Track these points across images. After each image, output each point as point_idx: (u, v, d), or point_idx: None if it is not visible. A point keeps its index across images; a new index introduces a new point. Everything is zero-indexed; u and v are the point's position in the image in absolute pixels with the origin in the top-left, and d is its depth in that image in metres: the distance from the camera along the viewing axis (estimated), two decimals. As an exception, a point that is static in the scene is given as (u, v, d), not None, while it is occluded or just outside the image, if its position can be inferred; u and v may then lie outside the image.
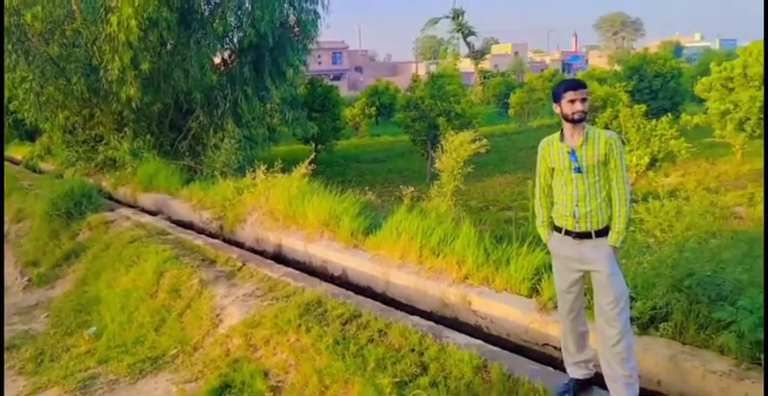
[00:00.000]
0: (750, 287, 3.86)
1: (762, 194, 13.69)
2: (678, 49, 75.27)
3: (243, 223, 8.01)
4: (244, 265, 6.35)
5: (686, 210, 5.23)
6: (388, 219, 6.37)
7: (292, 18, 16.12)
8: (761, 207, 12.73)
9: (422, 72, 52.77)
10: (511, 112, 32.94)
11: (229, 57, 15.62)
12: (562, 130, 3.35)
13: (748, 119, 17.92)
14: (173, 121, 14.65)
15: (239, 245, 7.76)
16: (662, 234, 5.20)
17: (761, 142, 18.68)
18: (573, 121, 3.25)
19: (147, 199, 10.93)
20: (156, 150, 13.17)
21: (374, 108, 33.26)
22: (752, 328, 3.50)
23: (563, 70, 69.65)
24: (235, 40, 15.02)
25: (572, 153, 3.26)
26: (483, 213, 12.65)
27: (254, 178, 8.50)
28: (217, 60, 15.37)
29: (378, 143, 27.46)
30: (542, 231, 3.58)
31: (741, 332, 3.54)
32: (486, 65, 59.25)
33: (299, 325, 4.58)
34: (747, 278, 4.01)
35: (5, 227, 11.15)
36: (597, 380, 3.49)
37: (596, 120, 15.73)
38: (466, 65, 56.72)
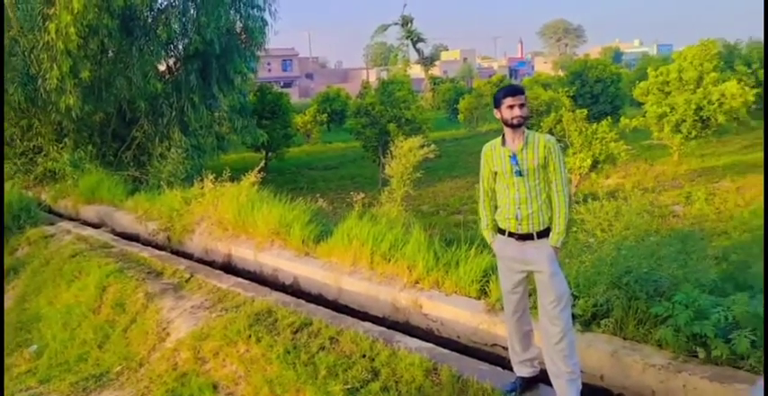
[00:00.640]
0: (685, 283, 4.03)
1: (699, 194, 14.39)
2: (618, 55, 78.23)
3: (191, 234, 7.84)
4: (192, 276, 6.21)
5: (624, 209, 5.44)
6: (340, 225, 6.34)
7: (239, 25, 15.96)
8: (698, 205, 13.38)
9: (373, 79, 53.00)
10: (460, 117, 33.42)
11: (174, 64, 15.31)
12: (503, 135, 3.43)
13: (684, 121, 18.76)
14: (116, 131, 14.22)
15: (188, 256, 7.58)
16: (602, 233, 5.38)
17: (696, 143, 19.59)
18: (512, 126, 3.33)
19: (89, 211, 10.56)
20: (98, 161, 12.73)
21: (325, 115, 33.18)
22: (687, 322, 3.65)
23: (510, 76, 71.23)
24: (180, 47, 14.76)
25: (513, 157, 3.35)
26: (434, 217, 12.78)
27: (202, 188, 8.33)
28: (162, 68, 15.04)
29: (329, 150, 27.42)
30: (487, 234, 3.65)
31: (678, 326, 3.68)
32: (435, 71, 60.00)
33: (249, 335, 4.51)
34: (682, 274, 4.19)
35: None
36: (543, 377, 3.57)
37: (541, 124, 16.19)
38: (416, 71, 57.30)
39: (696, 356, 3.63)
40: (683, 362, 3.62)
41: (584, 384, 3.43)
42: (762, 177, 16.19)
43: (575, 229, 5.97)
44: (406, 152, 8.07)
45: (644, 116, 20.13)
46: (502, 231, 3.50)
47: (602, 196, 5.97)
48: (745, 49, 29.46)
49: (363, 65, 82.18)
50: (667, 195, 14.44)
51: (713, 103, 18.71)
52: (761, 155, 19.11)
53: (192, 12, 13.85)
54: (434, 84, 50.84)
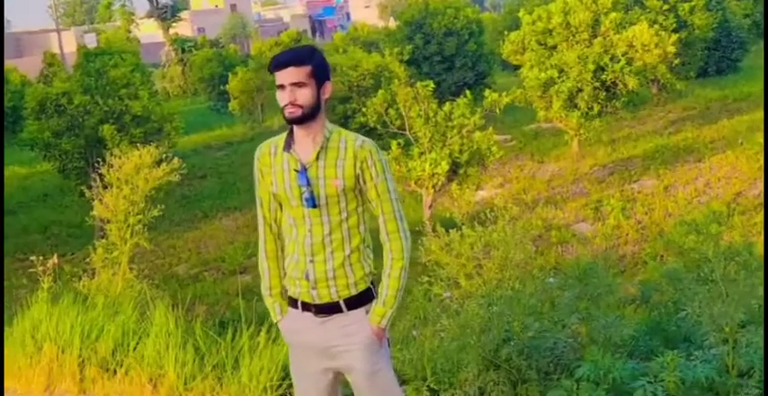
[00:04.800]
0: (591, 345, 4.41)
1: (612, 202, 15.92)
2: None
3: None
4: None
5: (496, 239, 5.82)
6: (17, 321, 6.20)
7: None
8: (612, 219, 14.73)
9: (71, 48, 51.39)
10: (233, 105, 33.60)
11: None
12: (290, 133, 3.31)
13: (580, 90, 20.45)
14: None
15: None
16: (468, 281, 5.72)
17: (601, 122, 21.52)
18: (288, 122, 3.29)
19: None
20: None
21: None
22: (600, 406, 3.99)
23: (313, 32, 73.56)
24: None
25: (302, 172, 3.24)
26: (198, 284, 12.56)
27: None
28: None
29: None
30: (271, 304, 3.50)
31: (587, 416, 4.02)
32: (184, 29, 59.97)
33: None
34: (586, 331, 4.58)
35: None
36: None
37: (364, 108, 16.72)
38: (150, 31, 56.79)
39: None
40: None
41: None
42: (688, 167, 18.24)
43: (425, 279, 6.28)
44: (130, 174, 7.91)
45: (522, 86, 21.65)
46: (293, 301, 3.46)
47: (461, 221, 6.32)
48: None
49: (53, 25, 79.37)
50: (568, 208, 15.72)
51: (618, 60, 20.78)
52: (692, 134, 21.61)
53: None
54: (183, 51, 50.74)
